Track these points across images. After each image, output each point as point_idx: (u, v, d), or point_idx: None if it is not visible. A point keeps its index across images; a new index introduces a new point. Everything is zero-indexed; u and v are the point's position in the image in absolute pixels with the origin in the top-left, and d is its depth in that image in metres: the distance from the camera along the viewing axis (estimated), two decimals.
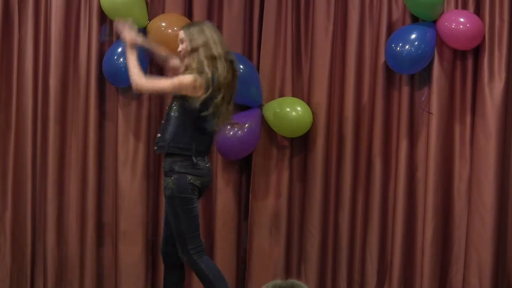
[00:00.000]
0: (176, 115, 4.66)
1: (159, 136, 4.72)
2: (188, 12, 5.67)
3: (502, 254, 5.46)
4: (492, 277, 5.40)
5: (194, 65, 4.62)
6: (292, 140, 5.67)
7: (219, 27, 5.65)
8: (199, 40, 4.65)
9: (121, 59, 5.48)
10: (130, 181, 5.67)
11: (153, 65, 5.64)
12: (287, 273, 5.72)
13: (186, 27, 4.77)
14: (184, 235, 4.63)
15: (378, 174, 5.62)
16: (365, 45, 5.61)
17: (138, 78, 4.67)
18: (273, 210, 5.71)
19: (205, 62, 4.59)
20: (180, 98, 4.64)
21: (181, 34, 4.73)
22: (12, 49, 5.72)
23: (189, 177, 4.60)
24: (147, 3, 5.62)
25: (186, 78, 4.58)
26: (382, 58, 5.55)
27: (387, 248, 5.63)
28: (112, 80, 5.60)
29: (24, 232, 5.74)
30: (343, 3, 5.62)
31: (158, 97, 5.67)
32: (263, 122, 5.59)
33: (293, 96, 5.63)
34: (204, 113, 4.58)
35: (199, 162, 4.63)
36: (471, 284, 5.42)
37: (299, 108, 5.52)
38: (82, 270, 5.71)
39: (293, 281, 2.74)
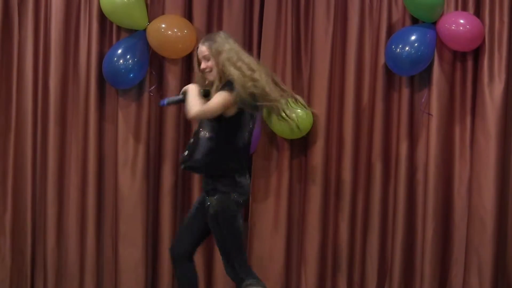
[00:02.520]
0: (208, 135, 4.47)
1: (186, 155, 4.49)
2: (188, 14, 5.67)
3: (502, 256, 5.46)
4: (492, 278, 5.40)
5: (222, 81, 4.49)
6: (292, 141, 5.67)
7: (219, 29, 5.67)
8: (224, 54, 4.48)
9: (121, 61, 5.48)
10: (130, 183, 5.67)
11: (153, 67, 5.64)
12: (287, 274, 5.72)
13: (206, 41, 4.55)
14: (230, 253, 4.50)
15: (378, 175, 5.62)
16: (365, 46, 5.61)
17: (194, 107, 4.41)
18: (273, 212, 5.70)
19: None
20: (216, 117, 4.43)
21: (205, 50, 4.50)
22: (12, 51, 5.72)
23: (233, 195, 4.45)
24: (147, 5, 5.62)
25: (226, 96, 4.38)
26: (382, 60, 5.55)
27: (387, 250, 5.63)
28: (112, 82, 5.60)
29: (24, 234, 5.75)
30: (343, 4, 5.62)
31: (159, 100, 5.66)
32: (263, 123, 5.58)
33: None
34: (237, 128, 4.48)
35: (241, 180, 4.49)
36: (471, 286, 5.42)
37: (299, 110, 5.51)
38: (82, 272, 5.71)
39: None
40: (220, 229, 4.47)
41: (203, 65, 4.50)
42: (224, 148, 4.44)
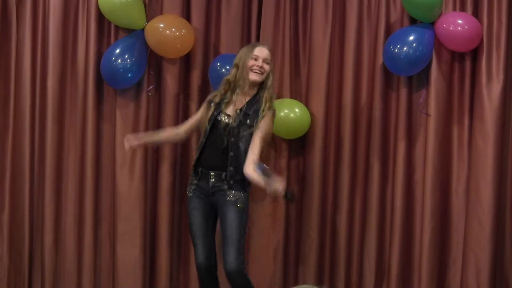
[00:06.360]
0: (246, 145, 4.80)
1: (232, 170, 4.80)
2: (186, 14, 5.67)
3: (500, 256, 5.46)
4: (490, 279, 5.39)
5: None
6: (290, 141, 5.67)
7: (217, 29, 5.67)
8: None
9: (119, 60, 5.48)
10: (127, 183, 5.66)
11: (151, 66, 5.64)
12: (285, 275, 5.72)
13: (269, 49, 4.99)
14: (242, 246, 4.81)
15: (376, 175, 5.62)
16: (363, 46, 5.61)
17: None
18: (271, 212, 5.70)
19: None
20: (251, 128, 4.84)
21: (269, 55, 4.95)
22: (10, 50, 5.73)
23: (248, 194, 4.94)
24: (145, 4, 5.62)
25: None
26: (380, 60, 5.55)
27: (385, 250, 5.63)
28: (110, 82, 5.60)
29: (21, 233, 5.75)
30: (341, 4, 5.62)
31: (157, 100, 5.67)
32: None
33: (291, 98, 5.63)
34: None
35: None
36: (469, 286, 5.42)
37: (297, 110, 5.52)
38: (80, 272, 5.71)
39: None
40: (243, 222, 4.82)
41: (260, 63, 4.89)
42: None
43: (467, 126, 5.52)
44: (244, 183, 4.84)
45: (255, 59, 4.89)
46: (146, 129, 5.67)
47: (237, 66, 4.93)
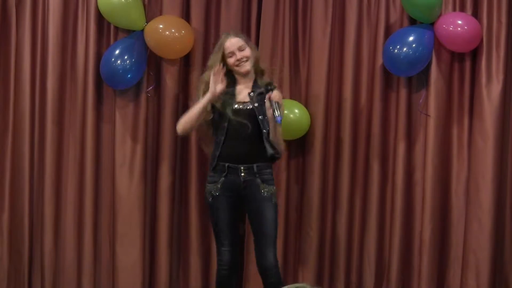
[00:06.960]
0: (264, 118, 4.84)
1: (269, 145, 4.82)
2: (186, 14, 5.66)
3: (499, 256, 5.46)
4: (489, 279, 5.40)
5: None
6: (289, 142, 5.66)
7: (217, 29, 5.66)
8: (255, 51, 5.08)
9: (119, 61, 5.48)
10: (127, 183, 5.66)
11: (150, 67, 5.63)
12: (285, 275, 5.72)
13: (235, 34, 4.97)
14: (276, 242, 4.87)
15: (376, 176, 5.62)
16: (363, 47, 5.60)
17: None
18: None
19: None
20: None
21: (239, 40, 4.91)
22: (10, 51, 5.71)
23: None
24: (144, 5, 5.60)
25: None
26: (380, 60, 5.54)
27: (385, 250, 5.64)
28: (109, 82, 5.59)
29: (21, 234, 5.74)
30: (341, 4, 5.62)
31: (156, 100, 5.67)
32: None
33: (290, 98, 5.62)
34: None
35: None
36: (468, 286, 5.42)
37: (296, 111, 5.51)
38: (80, 272, 5.71)
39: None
40: (277, 218, 4.86)
41: (239, 55, 4.86)
42: None
43: (467, 126, 5.51)
44: (272, 173, 4.89)
45: (231, 56, 4.90)
46: (146, 129, 5.66)
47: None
